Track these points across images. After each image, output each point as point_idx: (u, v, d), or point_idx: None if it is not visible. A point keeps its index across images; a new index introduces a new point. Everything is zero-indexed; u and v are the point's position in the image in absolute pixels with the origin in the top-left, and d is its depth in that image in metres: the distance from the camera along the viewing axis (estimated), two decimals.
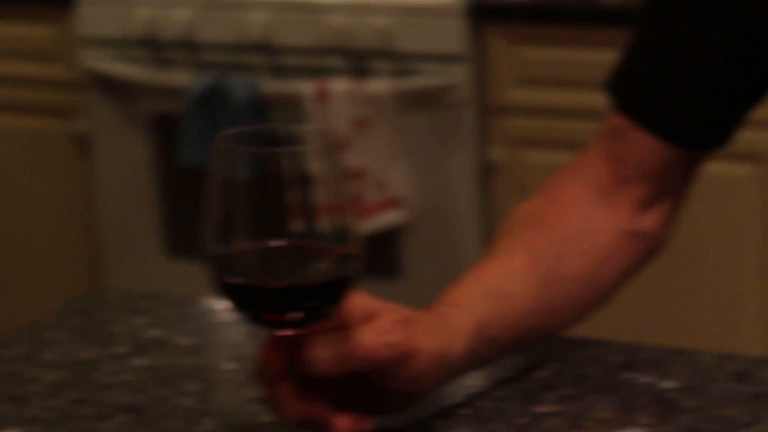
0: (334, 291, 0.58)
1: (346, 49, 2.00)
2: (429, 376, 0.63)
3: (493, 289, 0.69)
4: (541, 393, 0.72)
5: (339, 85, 1.95)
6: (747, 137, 1.71)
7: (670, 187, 0.78)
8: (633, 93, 0.79)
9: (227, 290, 0.59)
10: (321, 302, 0.58)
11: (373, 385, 0.62)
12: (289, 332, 0.58)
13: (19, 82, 2.23)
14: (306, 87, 1.95)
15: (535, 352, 0.77)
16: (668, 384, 0.73)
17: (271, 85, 2.01)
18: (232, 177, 0.56)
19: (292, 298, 0.57)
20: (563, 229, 0.75)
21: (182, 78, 2.05)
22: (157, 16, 2.06)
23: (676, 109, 0.76)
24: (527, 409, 0.70)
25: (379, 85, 1.95)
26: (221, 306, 0.91)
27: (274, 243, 0.56)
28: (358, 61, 2.01)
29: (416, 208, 1.95)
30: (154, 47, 2.09)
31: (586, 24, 1.93)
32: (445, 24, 1.95)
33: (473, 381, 0.73)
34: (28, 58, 2.22)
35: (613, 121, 0.79)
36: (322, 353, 0.58)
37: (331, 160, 0.56)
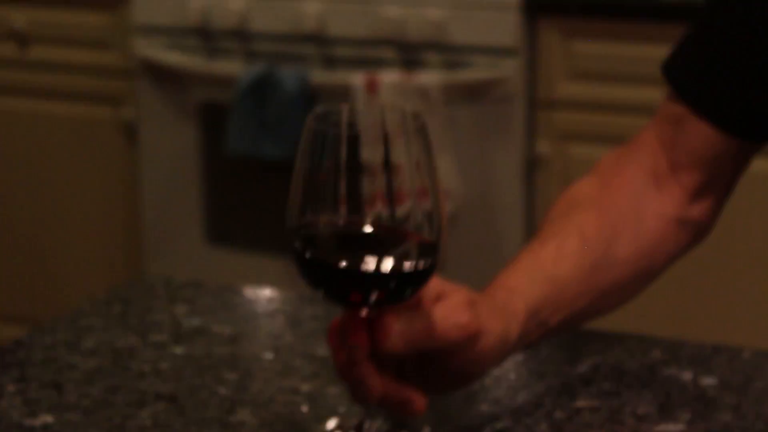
0: (417, 278, 0.59)
1: (398, 41, 1.99)
2: (490, 358, 0.64)
3: (545, 273, 0.70)
4: (579, 388, 0.72)
5: (389, 77, 1.95)
6: None
7: (721, 178, 0.78)
8: (691, 80, 0.79)
9: (311, 269, 0.59)
10: (404, 288, 0.59)
11: (434, 365, 0.63)
12: (367, 313, 0.59)
13: (71, 70, 2.25)
14: (356, 78, 1.94)
15: (574, 346, 0.77)
16: (708, 381, 0.73)
17: (322, 76, 2.01)
18: (319, 158, 0.57)
19: (378, 281, 0.58)
20: (616, 213, 0.76)
21: (233, 67, 2.06)
22: (210, 4, 2.07)
23: (735, 99, 0.75)
24: (566, 404, 0.70)
25: (430, 78, 1.94)
26: (261, 295, 0.91)
27: (360, 226, 0.58)
28: (410, 53, 2.00)
29: (462, 200, 1.95)
30: (206, 36, 2.10)
31: (640, 19, 1.93)
32: (500, 17, 1.94)
33: (512, 374, 0.72)
34: (82, 46, 2.24)
35: (670, 107, 0.79)
36: (397, 333, 0.59)
37: (417, 147, 0.57)
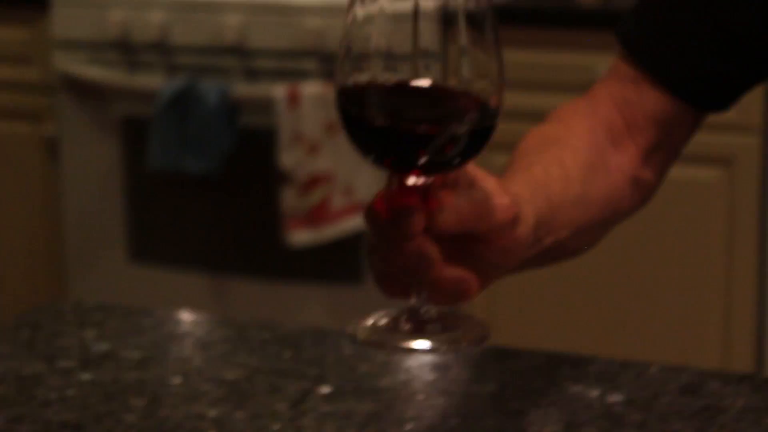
0: (476, 140, 0.55)
1: (319, 52, 2.00)
2: (521, 248, 0.60)
3: (542, 192, 0.67)
4: (487, 407, 0.72)
5: (310, 88, 1.96)
6: (715, 141, 1.72)
7: (670, 141, 0.79)
8: (645, 44, 0.79)
9: (360, 131, 0.55)
10: (462, 151, 0.55)
11: (472, 251, 0.59)
12: (419, 179, 0.55)
13: None
14: (278, 90, 1.96)
15: (482, 364, 0.77)
16: (615, 397, 0.73)
17: (243, 89, 2.02)
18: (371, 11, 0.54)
19: (432, 142, 0.54)
20: (586, 156, 0.75)
21: (154, 81, 2.06)
22: (131, 18, 2.06)
23: (689, 65, 0.77)
24: (473, 424, 0.70)
25: None
26: (172, 318, 0.91)
27: (415, 82, 0.54)
28: (332, 63, 2.01)
29: None
30: (127, 50, 2.09)
31: (562, 26, 1.94)
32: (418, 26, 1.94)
33: (420, 394, 0.73)
34: (1, 61, 2.22)
35: (624, 68, 0.79)
36: (451, 207, 0.56)
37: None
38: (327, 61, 2.00)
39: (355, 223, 1.97)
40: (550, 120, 0.79)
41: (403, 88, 0.54)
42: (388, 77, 0.53)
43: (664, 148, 0.78)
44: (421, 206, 0.55)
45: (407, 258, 0.55)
